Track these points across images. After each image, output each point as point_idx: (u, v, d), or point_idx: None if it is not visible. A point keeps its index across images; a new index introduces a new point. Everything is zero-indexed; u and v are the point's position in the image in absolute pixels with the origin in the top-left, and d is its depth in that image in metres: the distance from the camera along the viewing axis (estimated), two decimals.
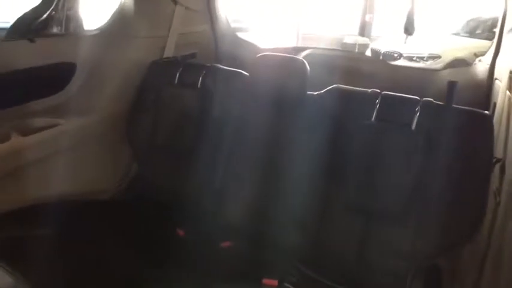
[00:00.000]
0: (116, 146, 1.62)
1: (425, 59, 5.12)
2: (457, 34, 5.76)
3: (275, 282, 1.11)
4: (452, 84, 1.08)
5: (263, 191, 1.32)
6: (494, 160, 1.09)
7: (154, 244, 1.29)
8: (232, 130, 1.39)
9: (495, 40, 1.53)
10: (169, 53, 1.74)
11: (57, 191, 1.45)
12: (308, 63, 1.36)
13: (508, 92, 1.14)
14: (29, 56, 1.45)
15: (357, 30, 7.42)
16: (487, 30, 5.35)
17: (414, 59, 5.16)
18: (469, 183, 1.06)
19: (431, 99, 1.13)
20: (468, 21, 5.91)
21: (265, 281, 1.12)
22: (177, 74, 1.50)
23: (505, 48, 1.41)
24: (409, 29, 1.18)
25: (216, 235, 1.34)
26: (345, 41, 6.69)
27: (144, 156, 1.58)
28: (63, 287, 1.02)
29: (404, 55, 5.23)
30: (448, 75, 1.70)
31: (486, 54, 1.70)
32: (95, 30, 1.71)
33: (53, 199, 1.42)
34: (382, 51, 5.50)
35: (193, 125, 1.47)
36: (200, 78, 1.47)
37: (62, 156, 1.46)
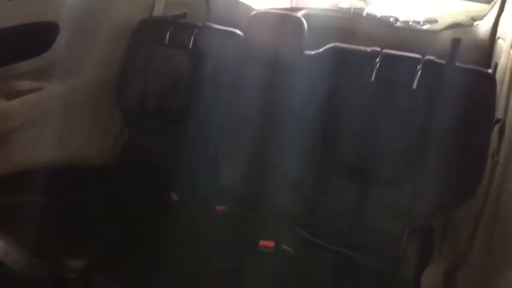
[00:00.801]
0: (106, 110, 1.57)
1: (421, 23, 5.00)
2: None
3: (272, 244, 1.11)
4: (456, 42, 1.04)
5: (258, 154, 1.29)
6: (494, 120, 1.07)
7: (148, 209, 1.27)
8: (226, 92, 1.35)
9: None
10: (158, 12, 1.65)
11: (46, 157, 1.40)
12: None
13: (511, 51, 1.10)
14: (6, 14, 1.35)
15: None
16: None
17: (410, 23, 5.04)
18: (469, 143, 1.04)
19: (433, 58, 1.09)
20: None
21: (262, 242, 1.12)
22: (168, 34, 1.43)
23: (510, 6, 1.35)
24: None
25: (211, 199, 1.33)
26: (340, 5, 6.48)
27: (135, 120, 1.53)
28: (55, 251, 1.01)
29: (401, 20, 5.11)
30: (448, 35, 1.65)
31: (485, 18, 1.65)
32: None
33: (42, 165, 1.38)
34: (378, 15, 5.35)
35: (184, 87, 1.41)
36: (192, 38, 1.40)
37: (49, 121, 1.41)
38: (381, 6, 5.62)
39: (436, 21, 4.98)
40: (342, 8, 6.40)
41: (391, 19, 5.17)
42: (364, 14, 5.77)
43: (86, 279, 0.95)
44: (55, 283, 0.96)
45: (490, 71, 1.08)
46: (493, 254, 0.99)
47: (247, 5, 2.09)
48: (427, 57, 1.09)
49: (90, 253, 1.00)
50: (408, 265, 1.13)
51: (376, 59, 1.12)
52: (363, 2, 6.78)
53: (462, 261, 1.13)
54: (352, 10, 6.30)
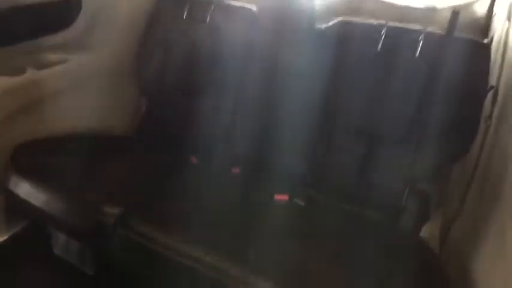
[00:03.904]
0: (126, 82, 1.67)
1: None
2: None
3: (285, 197, 1.23)
4: (455, 14, 1.14)
5: (272, 122, 1.40)
6: (488, 87, 1.18)
7: (169, 171, 1.38)
8: (241, 63, 1.44)
9: None
10: None
11: (71, 125, 1.51)
12: None
13: (507, 22, 1.20)
14: None
15: None
16: None
17: None
18: (466, 107, 1.15)
19: (434, 30, 1.19)
20: None
21: (277, 196, 1.23)
22: (186, 10, 1.52)
23: None
24: None
25: (227, 162, 1.44)
26: None
27: (154, 92, 1.63)
28: (93, 200, 1.12)
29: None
30: (448, 12, 1.74)
31: None
32: None
33: (69, 132, 1.49)
34: None
35: (202, 61, 1.51)
36: (209, 14, 1.49)
37: (74, 91, 1.51)
38: None
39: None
40: None
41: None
42: None
43: (123, 223, 1.06)
44: (95, 227, 1.07)
45: (486, 41, 1.18)
46: (482, 209, 1.11)
47: None
48: (428, 29, 1.19)
49: (124, 201, 1.11)
50: (408, 218, 1.25)
51: (382, 31, 1.22)
52: None
53: (456, 216, 1.25)
54: None
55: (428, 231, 1.29)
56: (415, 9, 2.32)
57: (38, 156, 1.28)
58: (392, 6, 2.08)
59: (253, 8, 1.47)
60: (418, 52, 1.17)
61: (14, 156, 1.27)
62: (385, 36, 1.21)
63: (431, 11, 2.06)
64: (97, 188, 1.17)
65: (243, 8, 1.49)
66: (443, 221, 1.31)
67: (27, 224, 1.44)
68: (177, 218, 1.09)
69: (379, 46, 1.21)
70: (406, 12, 2.00)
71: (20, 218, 1.44)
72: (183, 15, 1.52)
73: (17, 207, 1.27)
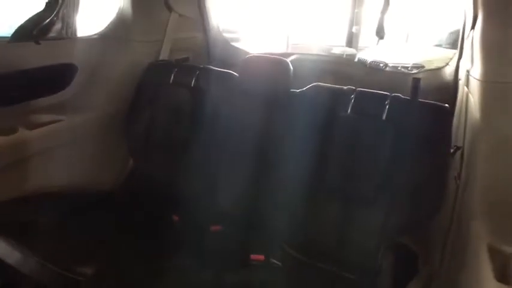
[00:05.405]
0: (114, 141, 1.73)
1: (409, 68, 5.33)
2: (439, 45, 6.02)
3: (262, 257, 1.23)
4: (416, 81, 1.23)
5: (251, 181, 1.44)
6: (455, 148, 1.23)
7: (151, 229, 1.39)
8: (223, 125, 1.52)
9: (459, 46, 1.70)
10: (164, 56, 1.87)
11: (58, 182, 1.55)
12: (295, 67, 1.50)
13: (466, 88, 1.29)
14: (35, 57, 1.56)
15: (344, 41, 7.66)
16: None
17: (399, 68, 5.37)
18: (431, 167, 1.19)
19: (399, 95, 1.28)
20: (450, 34, 6.18)
21: (253, 256, 1.23)
22: (172, 75, 1.63)
23: (466, 52, 1.57)
24: (380, 33, 1.34)
25: (207, 220, 1.45)
26: (332, 51, 6.90)
27: (141, 151, 1.69)
28: (67, 260, 1.12)
29: (390, 65, 5.45)
30: (421, 77, 1.86)
31: (450, 62, 1.88)
32: (95, 34, 1.83)
33: (54, 189, 1.52)
34: (369, 61, 5.71)
35: (186, 122, 1.59)
36: (194, 78, 1.60)
37: (63, 149, 1.57)
38: (371, 52, 6.03)
39: (423, 67, 5.34)
40: (334, 54, 6.85)
41: (381, 64, 5.54)
42: (356, 59, 6.18)
43: (95, 283, 1.06)
44: (68, 286, 1.06)
45: (447, 105, 1.26)
46: (457, 268, 1.11)
47: (244, 51, 2.33)
48: (393, 94, 1.28)
49: (98, 261, 1.12)
50: (386, 278, 1.24)
51: (351, 95, 1.30)
52: (354, 49, 7.25)
53: (436, 276, 1.24)
54: (344, 55, 6.72)
55: None
56: (392, 73, 2.50)
57: (16, 215, 1.30)
58: (371, 70, 2.24)
59: (235, 73, 1.58)
60: (385, 115, 1.24)
61: None
62: (354, 100, 1.29)
63: (406, 75, 2.22)
64: (72, 248, 1.18)
65: (226, 73, 1.61)
66: (425, 282, 1.29)
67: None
68: (153, 280, 1.08)
69: (349, 109, 1.28)
70: (383, 76, 2.15)
71: None
72: (170, 79, 1.63)
73: None
